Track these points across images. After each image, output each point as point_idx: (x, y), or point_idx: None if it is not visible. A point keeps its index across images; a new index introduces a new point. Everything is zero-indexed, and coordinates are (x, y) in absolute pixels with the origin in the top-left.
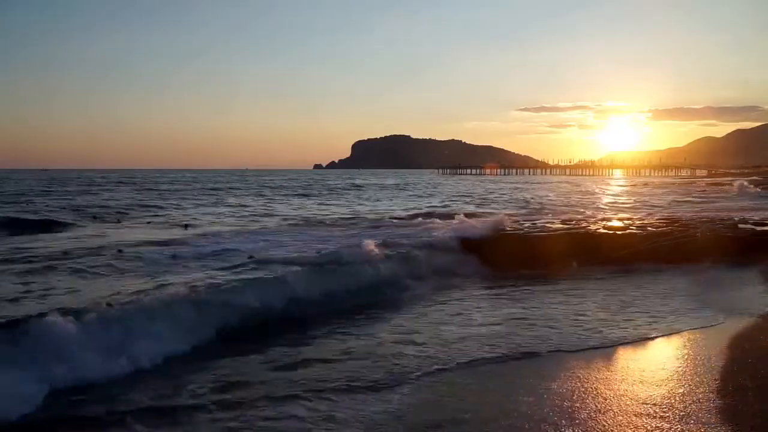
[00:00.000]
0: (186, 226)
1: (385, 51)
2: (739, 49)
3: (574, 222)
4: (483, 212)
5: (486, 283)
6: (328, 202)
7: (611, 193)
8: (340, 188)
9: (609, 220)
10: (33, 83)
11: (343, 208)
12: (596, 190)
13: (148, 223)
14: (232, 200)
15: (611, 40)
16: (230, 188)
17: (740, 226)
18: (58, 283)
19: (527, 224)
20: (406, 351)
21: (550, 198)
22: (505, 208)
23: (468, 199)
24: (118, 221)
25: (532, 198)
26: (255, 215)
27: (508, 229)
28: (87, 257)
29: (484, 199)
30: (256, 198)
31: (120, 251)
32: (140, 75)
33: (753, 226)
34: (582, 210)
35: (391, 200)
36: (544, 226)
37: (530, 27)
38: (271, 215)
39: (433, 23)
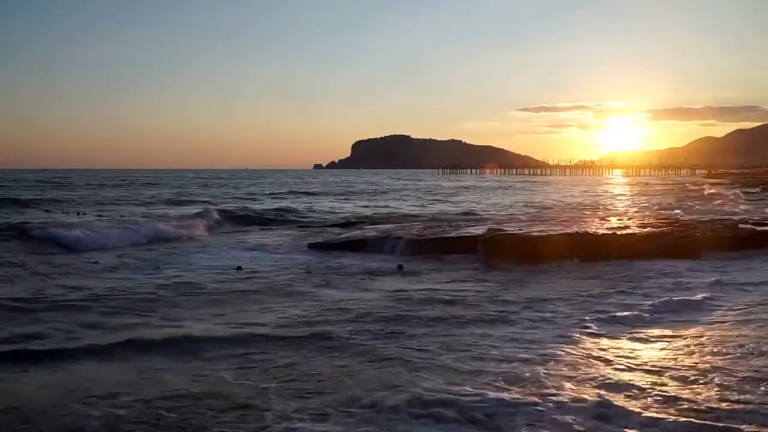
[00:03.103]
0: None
1: (385, 51)
2: (739, 49)
3: None
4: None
5: None
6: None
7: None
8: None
9: None
10: (33, 83)
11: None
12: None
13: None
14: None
15: (611, 40)
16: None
17: (740, 226)
18: None
19: None
20: None
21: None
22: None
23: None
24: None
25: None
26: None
27: None
28: None
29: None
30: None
31: None
32: (140, 75)
33: (753, 226)
34: None
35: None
36: None
37: (530, 27)
38: None
39: (433, 23)
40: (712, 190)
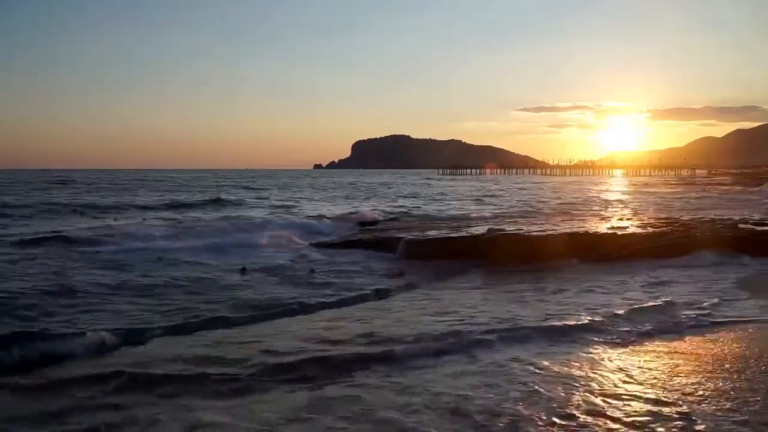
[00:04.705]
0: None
1: (386, 51)
2: (739, 49)
3: None
4: None
5: None
6: None
7: None
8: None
9: None
10: (33, 83)
11: None
12: None
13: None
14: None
15: (611, 40)
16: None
17: (740, 226)
18: None
19: None
20: None
21: None
22: None
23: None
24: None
25: None
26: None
27: None
28: None
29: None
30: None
31: None
32: (140, 75)
33: (753, 226)
34: None
35: None
36: None
37: (530, 27)
38: None
39: (433, 23)
40: None
